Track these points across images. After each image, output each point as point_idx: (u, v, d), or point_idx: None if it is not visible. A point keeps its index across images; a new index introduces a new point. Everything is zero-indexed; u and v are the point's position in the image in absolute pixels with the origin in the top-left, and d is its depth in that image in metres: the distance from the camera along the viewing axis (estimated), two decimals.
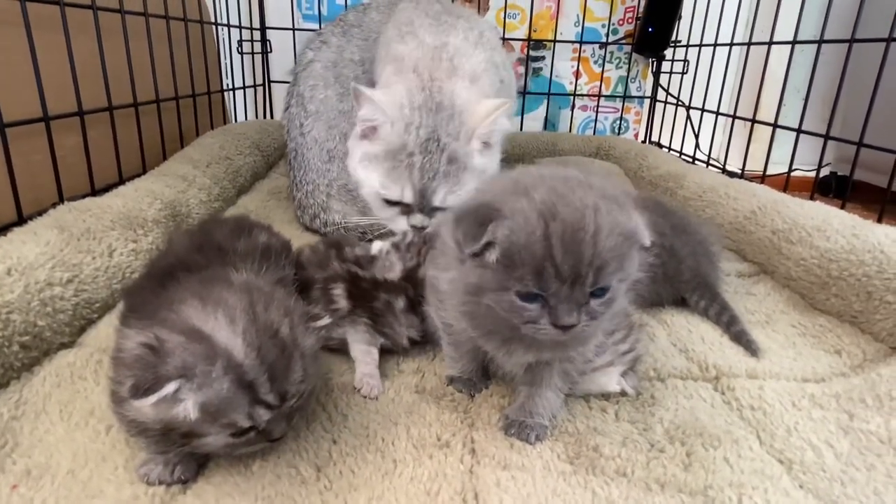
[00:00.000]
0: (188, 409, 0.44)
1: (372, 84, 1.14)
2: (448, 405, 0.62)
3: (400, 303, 0.70)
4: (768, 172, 1.36)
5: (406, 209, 0.94)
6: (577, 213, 0.46)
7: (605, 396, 0.64)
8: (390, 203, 0.94)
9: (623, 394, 0.64)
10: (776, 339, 0.79)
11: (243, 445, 0.49)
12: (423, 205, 0.92)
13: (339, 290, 0.71)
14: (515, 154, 1.79)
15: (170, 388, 0.43)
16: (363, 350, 0.69)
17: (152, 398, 0.43)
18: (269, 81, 1.98)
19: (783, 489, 0.51)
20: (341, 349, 0.72)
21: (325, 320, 0.54)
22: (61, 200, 0.93)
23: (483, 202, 0.51)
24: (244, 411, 0.46)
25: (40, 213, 0.84)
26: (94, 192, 1.04)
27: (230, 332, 0.46)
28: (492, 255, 0.48)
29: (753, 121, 1.44)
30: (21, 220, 0.87)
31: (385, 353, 0.71)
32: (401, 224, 0.95)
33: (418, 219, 0.93)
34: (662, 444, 0.57)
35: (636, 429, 0.59)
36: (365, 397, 0.64)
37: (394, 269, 0.72)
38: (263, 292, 0.52)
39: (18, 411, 0.58)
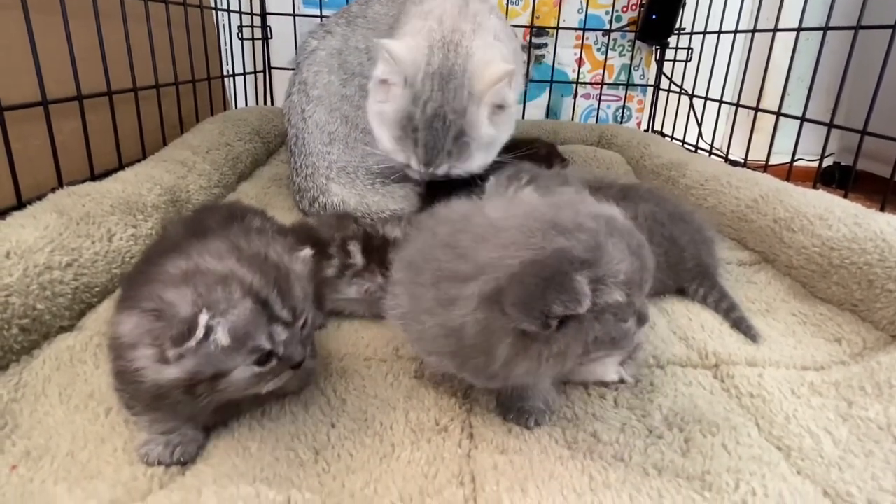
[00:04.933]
0: (219, 337, 0.44)
1: None
2: (447, 390, 0.62)
3: None
4: (771, 162, 1.35)
5: None
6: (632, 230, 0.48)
7: (604, 383, 0.64)
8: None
9: (622, 381, 0.64)
10: (776, 327, 0.78)
11: (269, 375, 0.49)
12: (428, 174, 0.97)
13: (354, 246, 0.75)
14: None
15: (203, 318, 0.43)
16: None
17: (195, 338, 0.43)
18: (270, 68, 1.96)
19: (781, 475, 0.51)
20: (353, 315, 0.77)
21: (307, 251, 0.56)
22: (60, 185, 0.92)
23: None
24: (265, 331, 0.46)
25: (40, 198, 0.83)
26: (94, 177, 1.04)
27: (227, 263, 0.47)
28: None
29: (757, 109, 1.43)
30: (20, 205, 0.87)
31: (382, 340, 0.72)
32: (413, 173, 1.01)
33: (427, 174, 0.98)
34: (661, 430, 0.57)
35: (635, 415, 0.59)
36: None
37: None
38: (240, 233, 0.53)
39: (18, 394, 0.58)
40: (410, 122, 0.94)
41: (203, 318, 0.43)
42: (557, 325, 0.43)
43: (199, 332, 0.43)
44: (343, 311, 0.77)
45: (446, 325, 0.49)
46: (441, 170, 0.97)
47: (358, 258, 0.75)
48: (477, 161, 1.00)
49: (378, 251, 0.75)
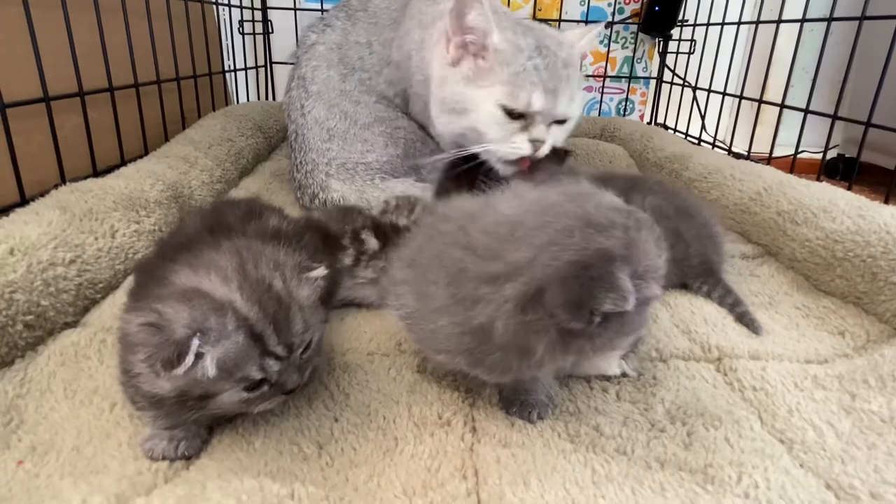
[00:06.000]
0: (206, 366, 0.44)
1: (381, 66, 1.13)
2: (450, 384, 0.63)
3: None
4: (775, 154, 1.35)
5: (525, 124, 0.93)
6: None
7: (606, 377, 0.64)
8: (512, 117, 0.92)
9: (624, 375, 0.64)
10: (779, 320, 0.78)
11: (258, 400, 0.49)
12: (550, 111, 0.92)
13: (367, 234, 0.78)
14: None
15: (194, 344, 0.43)
16: None
17: (184, 366, 0.43)
18: (271, 62, 1.96)
19: (783, 468, 0.51)
20: (363, 303, 0.79)
21: (320, 271, 0.55)
22: (63, 181, 0.92)
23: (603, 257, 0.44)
24: (256, 363, 0.46)
25: (42, 195, 0.84)
26: (96, 174, 1.04)
27: (227, 290, 0.47)
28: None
29: (760, 101, 1.42)
30: (23, 202, 0.87)
31: (385, 334, 0.72)
32: (519, 143, 0.93)
33: (541, 130, 0.92)
34: (663, 423, 0.57)
35: (637, 409, 0.59)
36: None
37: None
38: (252, 251, 0.52)
39: (23, 389, 0.59)
40: (522, 53, 0.89)
41: (194, 345, 0.43)
42: (600, 321, 0.45)
43: (188, 360, 0.43)
44: (355, 300, 0.78)
45: (466, 324, 0.49)
46: (563, 99, 0.92)
47: (372, 242, 0.77)
48: (579, 105, 0.95)
49: (390, 236, 0.77)
